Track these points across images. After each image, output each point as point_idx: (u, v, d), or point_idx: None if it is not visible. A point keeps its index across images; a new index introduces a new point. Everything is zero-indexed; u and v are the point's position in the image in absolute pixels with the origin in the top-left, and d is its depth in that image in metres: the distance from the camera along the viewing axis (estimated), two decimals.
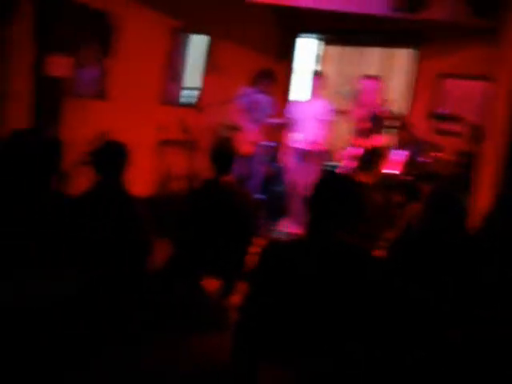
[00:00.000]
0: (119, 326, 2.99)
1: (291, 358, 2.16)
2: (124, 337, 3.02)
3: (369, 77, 5.35)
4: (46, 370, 2.62)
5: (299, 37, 8.22)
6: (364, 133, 5.04)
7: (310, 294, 2.07)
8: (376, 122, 4.89)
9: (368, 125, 5.00)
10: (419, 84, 7.08)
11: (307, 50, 8.39)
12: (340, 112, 7.94)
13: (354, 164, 5.04)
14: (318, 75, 5.97)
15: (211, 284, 3.73)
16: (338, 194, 2.10)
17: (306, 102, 6.02)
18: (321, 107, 5.82)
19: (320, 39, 8.30)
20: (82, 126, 5.25)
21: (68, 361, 2.70)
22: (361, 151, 5.00)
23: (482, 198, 5.60)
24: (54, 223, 2.79)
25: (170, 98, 6.70)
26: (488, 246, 2.41)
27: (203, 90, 6.99)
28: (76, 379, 2.70)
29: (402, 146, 6.28)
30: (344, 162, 5.66)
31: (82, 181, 5.06)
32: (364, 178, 4.84)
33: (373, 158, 4.85)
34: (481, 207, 5.43)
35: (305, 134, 5.88)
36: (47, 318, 2.61)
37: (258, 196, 6.28)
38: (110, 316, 2.95)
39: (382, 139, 4.85)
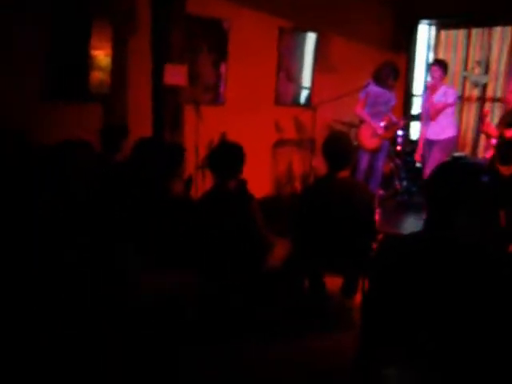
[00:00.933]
0: (241, 324, 3.03)
1: (415, 360, 2.05)
2: (246, 335, 3.06)
3: None
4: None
5: (416, 24, 7.86)
6: (504, 121, 4.63)
7: (429, 290, 1.94)
8: None
9: (510, 112, 4.57)
10: None
11: (423, 38, 8.00)
12: (467, 99, 7.52)
13: (491, 154, 4.68)
14: (438, 64, 5.64)
15: (334, 282, 3.67)
16: (454, 182, 1.94)
17: (429, 92, 5.73)
18: (444, 95, 5.53)
19: (434, 25, 7.87)
20: (202, 131, 5.42)
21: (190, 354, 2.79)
22: (498, 141, 4.63)
23: None
24: (174, 226, 2.89)
25: (284, 98, 6.72)
26: None
27: (315, 88, 6.93)
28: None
29: None
30: (482, 152, 5.30)
31: (206, 184, 5.25)
32: (503, 168, 4.48)
33: (509, 146, 4.46)
34: None
35: (433, 124, 5.64)
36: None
37: (379, 191, 6.11)
38: (232, 314, 3.00)
39: None
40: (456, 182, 1.96)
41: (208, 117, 5.53)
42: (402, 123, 6.32)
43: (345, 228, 3.34)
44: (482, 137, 6.74)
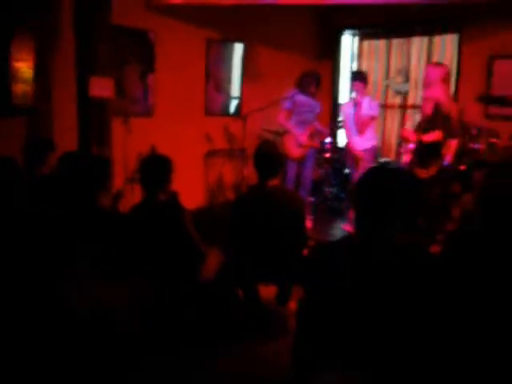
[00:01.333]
0: (175, 335, 3.00)
1: (352, 362, 2.10)
2: (178, 347, 3.03)
3: (433, 64, 5.04)
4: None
5: (340, 35, 8.11)
6: (421, 127, 4.86)
7: (360, 294, 2.00)
8: (437, 115, 4.68)
9: (426, 118, 4.81)
10: (465, 69, 6.84)
11: (346, 48, 8.27)
12: (389, 106, 7.80)
13: (410, 158, 4.90)
14: (358, 79, 5.82)
15: (267, 291, 3.70)
16: (381, 188, 2.02)
17: (351, 102, 5.93)
18: (366, 105, 5.73)
19: (357, 35, 8.16)
20: (131, 144, 5.35)
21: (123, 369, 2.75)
22: (415, 145, 4.86)
23: None
24: (102, 239, 2.84)
25: (214, 109, 6.75)
26: None
27: (244, 98, 7.01)
28: None
29: (452, 133, 6.09)
30: (402, 157, 5.55)
31: (135, 197, 5.18)
32: (421, 172, 4.69)
33: (429, 151, 4.68)
34: None
35: (355, 134, 5.84)
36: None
37: (309, 199, 6.22)
38: (166, 326, 2.97)
39: (438, 134, 4.63)
40: (380, 189, 2.04)
41: (137, 129, 5.47)
42: (326, 132, 6.48)
43: (277, 236, 3.39)
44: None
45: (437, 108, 4.68)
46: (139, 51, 5.79)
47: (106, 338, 2.71)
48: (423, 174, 4.65)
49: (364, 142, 5.80)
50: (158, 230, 3.12)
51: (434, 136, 4.66)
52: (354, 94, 5.91)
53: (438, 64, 5.21)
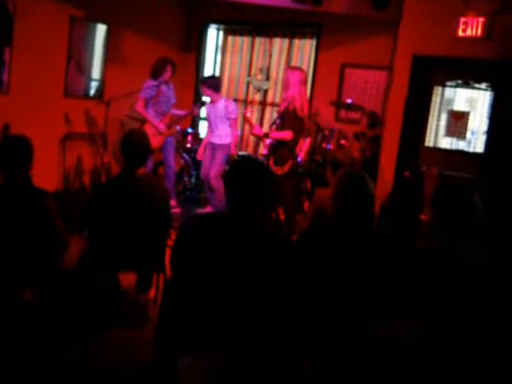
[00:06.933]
0: (36, 325, 2.93)
1: (215, 349, 2.23)
2: (43, 336, 2.97)
3: (292, 68, 5.34)
4: None
5: (206, 28, 8.20)
6: (275, 124, 5.15)
7: (228, 270, 2.17)
8: (287, 114, 4.97)
9: (280, 117, 5.10)
10: (321, 74, 7.31)
11: (212, 41, 8.41)
12: (249, 102, 8.08)
13: (266, 153, 5.18)
14: (205, 84, 6.02)
15: (128, 279, 3.72)
16: (251, 173, 2.23)
17: (210, 104, 6.11)
18: (224, 107, 5.96)
19: (222, 30, 8.33)
20: None
21: None
22: (270, 142, 5.13)
23: (384, 184, 5.97)
24: None
25: (75, 91, 6.49)
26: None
27: (107, 82, 6.83)
28: None
29: (306, 134, 6.51)
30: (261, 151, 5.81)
31: None
32: (276, 169, 4.97)
33: (283, 150, 4.97)
34: (383, 192, 5.79)
35: (215, 131, 6.07)
36: None
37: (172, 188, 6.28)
38: (26, 315, 2.89)
39: (288, 133, 4.91)
40: (247, 176, 2.25)
41: None
42: (196, 111, 6.57)
43: (141, 224, 3.41)
44: None
45: (287, 108, 4.98)
46: None
47: None
48: (278, 171, 4.93)
49: (222, 137, 6.07)
50: (19, 216, 2.99)
51: (282, 134, 4.95)
52: (207, 98, 6.11)
53: (297, 68, 5.54)
